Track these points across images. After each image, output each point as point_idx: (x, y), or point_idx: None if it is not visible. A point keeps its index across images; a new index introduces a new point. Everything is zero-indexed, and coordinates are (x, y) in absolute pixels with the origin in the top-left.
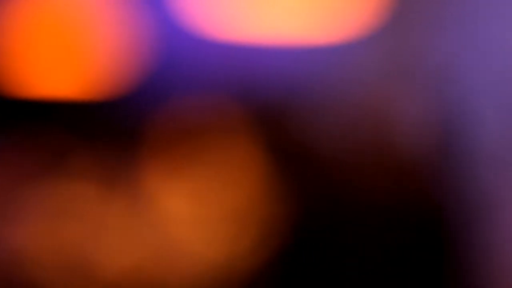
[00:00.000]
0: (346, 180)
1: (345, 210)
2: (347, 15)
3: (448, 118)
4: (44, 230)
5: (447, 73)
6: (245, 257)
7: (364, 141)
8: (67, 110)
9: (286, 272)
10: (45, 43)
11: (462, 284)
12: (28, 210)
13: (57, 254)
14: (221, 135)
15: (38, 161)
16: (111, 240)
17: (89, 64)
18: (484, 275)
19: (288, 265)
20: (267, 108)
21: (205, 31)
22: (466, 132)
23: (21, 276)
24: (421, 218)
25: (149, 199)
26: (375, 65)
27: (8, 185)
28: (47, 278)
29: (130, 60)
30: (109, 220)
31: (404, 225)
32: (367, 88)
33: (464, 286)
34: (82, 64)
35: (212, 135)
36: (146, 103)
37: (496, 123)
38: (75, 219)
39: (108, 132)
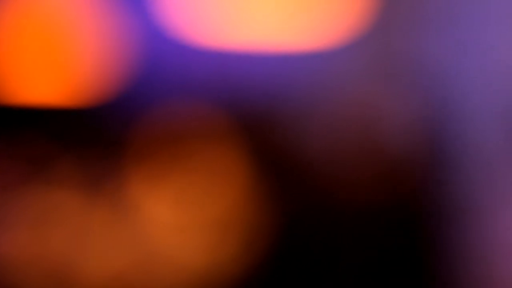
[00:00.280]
0: (331, 186)
1: (329, 216)
2: (333, 20)
3: (436, 120)
4: (28, 237)
5: (434, 75)
6: (228, 264)
7: (351, 147)
8: (50, 117)
9: (269, 279)
10: (29, 50)
11: (446, 284)
12: (12, 218)
13: (41, 262)
14: (205, 142)
15: (22, 168)
16: (95, 247)
17: (73, 71)
18: (469, 275)
19: (271, 272)
20: (251, 115)
21: (190, 37)
22: (453, 134)
23: (5, 283)
24: (408, 220)
25: (133, 206)
26: (361, 69)
27: None
28: (31, 285)
29: (114, 67)
30: (92, 227)
31: (390, 229)
32: (353, 93)
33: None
34: (66, 71)
35: (196, 142)
36: (130, 110)
37: (485, 125)
38: (59, 226)
39: (91, 139)
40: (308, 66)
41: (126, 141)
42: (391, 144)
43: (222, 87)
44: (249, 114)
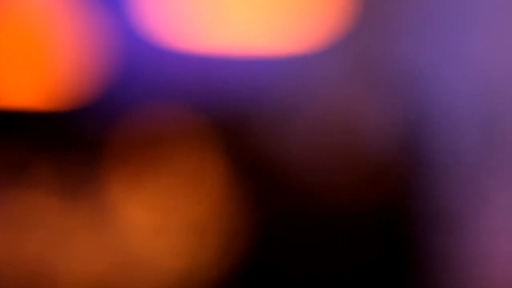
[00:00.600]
0: (310, 190)
1: (308, 220)
2: (312, 24)
3: (416, 123)
4: (6, 240)
5: (414, 78)
6: (206, 267)
7: (331, 150)
8: (28, 120)
9: (246, 282)
10: (6, 53)
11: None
12: None
13: (19, 265)
14: (184, 145)
15: (0, 171)
16: (74, 250)
17: (51, 74)
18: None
19: (249, 275)
20: (230, 119)
21: (169, 40)
22: (434, 137)
23: None
24: (388, 223)
25: (111, 209)
26: (341, 73)
27: None
28: None
29: (92, 70)
30: (71, 230)
31: (371, 232)
32: (333, 96)
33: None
34: (44, 74)
35: (174, 145)
36: (108, 113)
37: (465, 127)
38: (38, 230)
39: (69, 142)
40: (287, 69)
41: (104, 144)
42: (371, 147)
43: (201, 90)
44: (227, 118)
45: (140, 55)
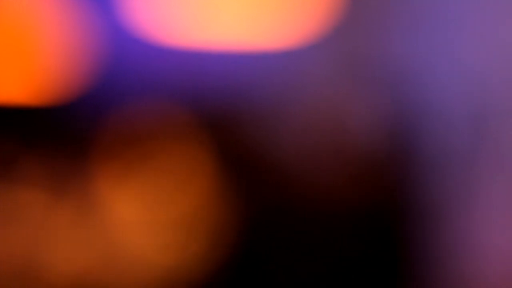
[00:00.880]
0: (298, 185)
1: (296, 216)
2: (299, 20)
3: (404, 120)
4: None
5: (402, 74)
6: (194, 262)
7: (318, 146)
8: (15, 116)
9: (234, 278)
10: None
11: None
12: None
13: (6, 260)
14: (170, 141)
15: None
16: (60, 245)
17: (38, 70)
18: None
19: (237, 271)
20: (216, 114)
21: (154, 36)
22: (423, 133)
23: None
24: (377, 220)
25: (99, 205)
26: (328, 68)
27: None
28: None
29: (79, 65)
30: (58, 225)
31: (360, 229)
32: (320, 92)
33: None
34: (31, 70)
35: (161, 141)
36: (95, 109)
37: (454, 123)
38: (24, 225)
39: (56, 137)
40: (274, 65)
41: (93, 140)
42: (362, 144)
43: (188, 86)
44: (215, 113)
45: (129, 51)
